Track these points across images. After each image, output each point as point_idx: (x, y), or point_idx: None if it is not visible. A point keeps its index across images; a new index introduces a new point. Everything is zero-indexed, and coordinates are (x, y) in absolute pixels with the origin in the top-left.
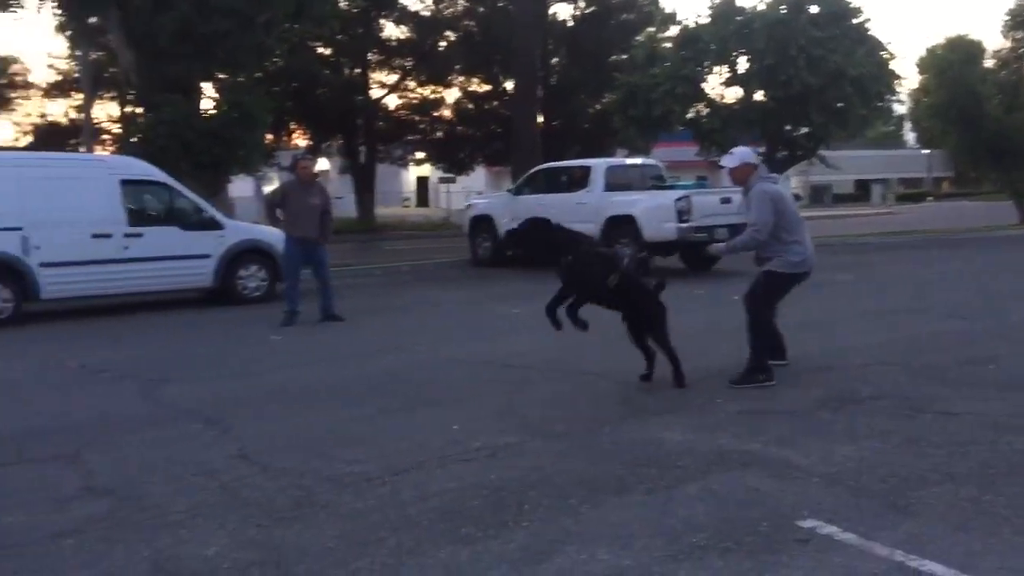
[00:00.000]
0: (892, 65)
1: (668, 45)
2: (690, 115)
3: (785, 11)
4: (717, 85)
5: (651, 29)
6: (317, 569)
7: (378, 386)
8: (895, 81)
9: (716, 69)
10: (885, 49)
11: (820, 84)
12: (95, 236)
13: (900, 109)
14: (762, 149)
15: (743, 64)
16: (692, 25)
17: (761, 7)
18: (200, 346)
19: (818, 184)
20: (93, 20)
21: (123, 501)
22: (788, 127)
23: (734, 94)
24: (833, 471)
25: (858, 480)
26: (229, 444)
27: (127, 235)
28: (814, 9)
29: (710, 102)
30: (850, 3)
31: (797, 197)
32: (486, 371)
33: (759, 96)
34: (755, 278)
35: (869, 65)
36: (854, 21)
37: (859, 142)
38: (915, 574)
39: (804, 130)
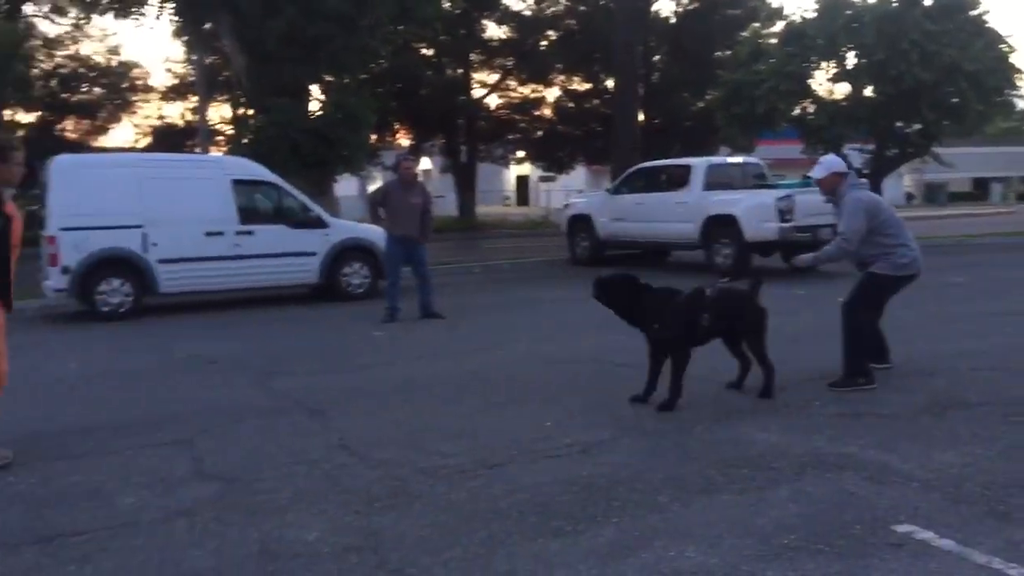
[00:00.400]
0: (1012, 58)
1: (773, 41)
2: (795, 112)
3: (896, 4)
4: (824, 81)
5: (756, 25)
6: (411, 556)
7: (475, 382)
8: (1016, 75)
9: (823, 65)
10: (1005, 42)
11: (933, 79)
12: (208, 234)
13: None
14: (871, 146)
15: (851, 59)
16: (798, 20)
17: (871, 0)
18: (305, 340)
19: (933, 182)
20: (207, 26)
21: (231, 486)
22: (899, 124)
23: (842, 90)
24: (932, 476)
25: (958, 486)
26: (331, 435)
27: (238, 233)
28: (928, 1)
29: (816, 98)
30: None
31: (910, 196)
32: (580, 369)
33: (868, 92)
34: (858, 280)
35: (987, 59)
36: (971, 13)
37: (977, 139)
38: None
39: (916, 127)
